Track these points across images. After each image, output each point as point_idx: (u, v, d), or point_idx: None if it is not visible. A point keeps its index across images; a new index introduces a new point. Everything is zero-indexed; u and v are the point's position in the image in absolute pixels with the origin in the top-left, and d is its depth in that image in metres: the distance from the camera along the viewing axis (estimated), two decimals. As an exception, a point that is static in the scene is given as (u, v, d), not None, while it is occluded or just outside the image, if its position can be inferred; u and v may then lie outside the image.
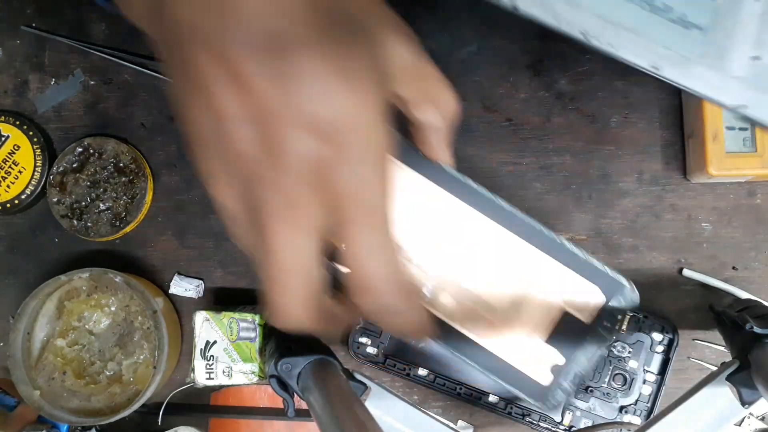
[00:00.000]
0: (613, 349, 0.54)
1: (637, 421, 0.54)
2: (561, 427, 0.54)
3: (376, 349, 0.55)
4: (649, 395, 0.54)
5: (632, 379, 0.54)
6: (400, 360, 0.55)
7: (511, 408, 0.54)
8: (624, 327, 0.54)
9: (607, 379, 0.54)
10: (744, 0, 0.30)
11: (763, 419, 0.54)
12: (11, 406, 0.56)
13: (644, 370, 0.54)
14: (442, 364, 0.54)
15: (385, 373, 0.56)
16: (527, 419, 0.54)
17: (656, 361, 0.54)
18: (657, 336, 0.54)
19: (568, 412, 0.54)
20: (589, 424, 0.54)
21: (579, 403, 0.54)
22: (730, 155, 0.51)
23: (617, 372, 0.54)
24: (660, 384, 0.53)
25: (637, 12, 0.30)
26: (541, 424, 0.54)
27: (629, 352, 0.54)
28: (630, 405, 0.54)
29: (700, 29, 0.30)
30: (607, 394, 0.54)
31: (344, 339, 0.57)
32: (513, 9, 0.30)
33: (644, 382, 0.54)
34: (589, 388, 0.54)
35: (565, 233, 0.56)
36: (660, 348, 0.54)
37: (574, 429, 0.54)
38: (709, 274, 0.55)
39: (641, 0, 0.30)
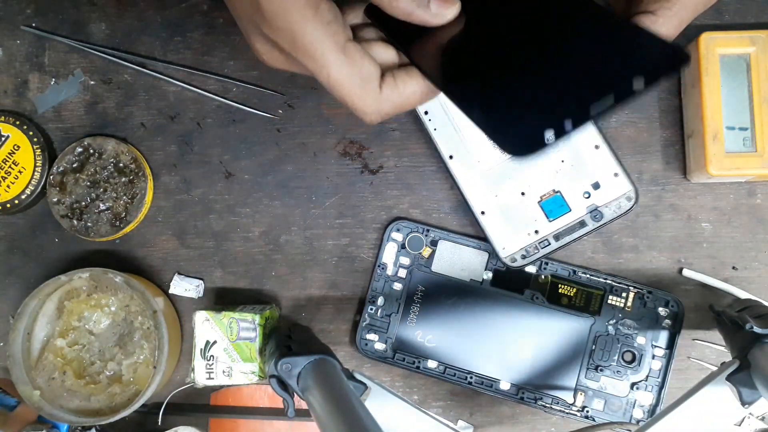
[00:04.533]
0: (621, 327, 0.54)
1: (649, 397, 0.54)
2: (573, 408, 0.54)
3: (384, 345, 0.55)
4: (659, 370, 0.54)
5: (641, 355, 0.54)
6: (409, 353, 0.55)
7: (523, 393, 0.54)
8: (629, 304, 0.54)
9: (616, 357, 0.54)
10: None
11: (763, 419, 0.54)
12: (11, 406, 0.56)
13: (652, 345, 0.54)
14: (450, 356, 0.55)
15: (394, 368, 0.56)
16: (539, 403, 0.54)
17: (663, 335, 0.54)
18: (662, 311, 0.54)
19: (579, 392, 0.54)
20: (602, 403, 0.54)
21: (590, 383, 0.54)
22: (730, 155, 0.51)
23: (626, 349, 0.54)
24: (669, 358, 0.54)
25: None
26: (554, 407, 0.54)
27: (636, 329, 0.54)
28: (641, 381, 0.54)
29: None
30: (618, 372, 0.54)
31: (351, 337, 0.57)
32: None
33: (653, 357, 0.54)
34: (599, 367, 0.54)
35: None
36: (666, 322, 0.54)
37: (579, 424, 0.54)
38: (709, 274, 0.55)
39: None
